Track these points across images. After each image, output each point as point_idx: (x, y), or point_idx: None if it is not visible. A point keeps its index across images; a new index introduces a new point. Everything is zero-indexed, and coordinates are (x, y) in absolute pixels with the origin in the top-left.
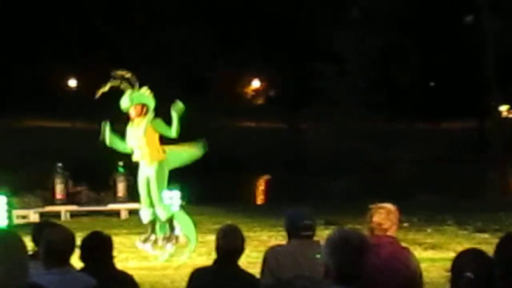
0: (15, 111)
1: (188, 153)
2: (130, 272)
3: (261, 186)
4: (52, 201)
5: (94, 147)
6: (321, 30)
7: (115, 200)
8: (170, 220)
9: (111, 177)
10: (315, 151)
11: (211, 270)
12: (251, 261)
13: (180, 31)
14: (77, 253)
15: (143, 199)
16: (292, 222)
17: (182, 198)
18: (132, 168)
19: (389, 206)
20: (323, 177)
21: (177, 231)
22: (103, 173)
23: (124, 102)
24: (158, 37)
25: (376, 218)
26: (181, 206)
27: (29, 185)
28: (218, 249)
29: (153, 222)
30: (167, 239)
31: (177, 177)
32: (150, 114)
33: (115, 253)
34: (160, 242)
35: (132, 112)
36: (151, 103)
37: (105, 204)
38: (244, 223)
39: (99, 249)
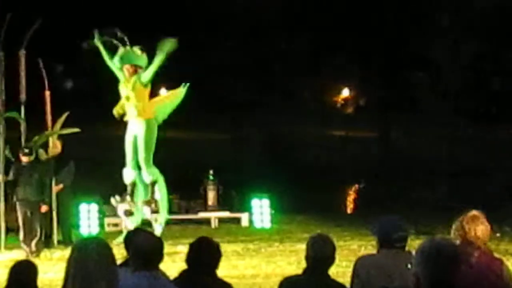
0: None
1: (171, 99)
2: None
3: (351, 195)
4: None
5: (185, 155)
6: (410, 37)
7: (206, 208)
8: (152, 184)
9: (202, 186)
10: (405, 159)
11: (301, 279)
12: (341, 270)
13: (273, 40)
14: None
15: (129, 160)
16: (386, 232)
17: (272, 206)
18: (222, 176)
19: (482, 216)
20: (413, 185)
21: (157, 196)
22: (193, 181)
23: (116, 62)
24: (249, 47)
25: (473, 231)
26: (271, 215)
27: (121, 193)
28: (308, 258)
29: (134, 184)
30: (147, 202)
31: (267, 185)
32: (141, 72)
33: None
34: (140, 205)
35: (126, 72)
36: (143, 62)
37: (196, 212)
38: (335, 232)
39: (205, 254)
